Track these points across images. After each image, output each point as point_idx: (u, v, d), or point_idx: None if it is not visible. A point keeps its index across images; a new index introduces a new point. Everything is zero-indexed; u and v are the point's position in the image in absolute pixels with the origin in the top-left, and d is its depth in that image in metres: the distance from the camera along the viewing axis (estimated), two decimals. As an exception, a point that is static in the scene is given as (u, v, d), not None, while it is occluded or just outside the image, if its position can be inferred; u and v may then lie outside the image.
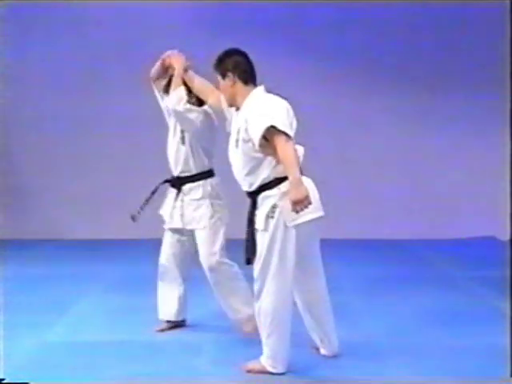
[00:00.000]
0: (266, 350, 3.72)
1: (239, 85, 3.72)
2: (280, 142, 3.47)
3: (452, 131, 8.32)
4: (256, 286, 3.69)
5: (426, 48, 8.27)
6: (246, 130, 3.60)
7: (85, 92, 8.30)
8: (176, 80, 4.21)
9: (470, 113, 8.28)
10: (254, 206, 3.68)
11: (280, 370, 3.70)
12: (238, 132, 3.68)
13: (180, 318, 4.53)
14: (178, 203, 4.36)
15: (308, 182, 3.64)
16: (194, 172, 4.30)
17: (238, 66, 3.73)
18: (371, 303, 5.27)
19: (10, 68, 8.02)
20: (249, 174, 3.65)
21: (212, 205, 4.25)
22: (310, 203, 3.41)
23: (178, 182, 4.37)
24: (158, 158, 7.80)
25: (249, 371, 3.75)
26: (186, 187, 4.32)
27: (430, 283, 6.00)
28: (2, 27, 7.70)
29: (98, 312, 5.07)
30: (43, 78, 8.26)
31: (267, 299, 3.64)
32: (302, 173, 3.63)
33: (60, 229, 8.28)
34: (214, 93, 4.07)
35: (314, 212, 3.62)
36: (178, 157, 4.34)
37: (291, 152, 3.45)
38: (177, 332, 4.51)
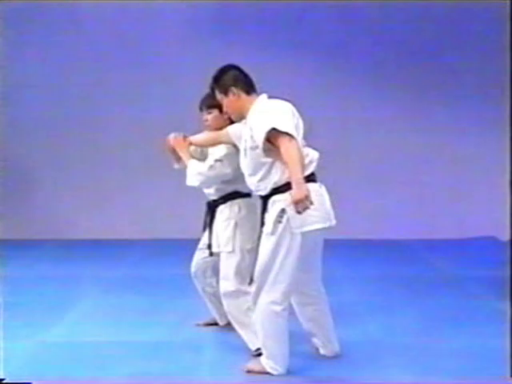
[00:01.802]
0: (265, 351, 3.72)
1: (243, 97, 3.74)
2: (283, 143, 3.46)
3: (452, 131, 8.33)
4: (254, 287, 3.70)
5: (428, 49, 8.26)
6: (252, 136, 3.62)
7: (89, 92, 8.29)
8: (184, 157, 4.21)
9: (470, 113, 8.28)
10: (264, 209, 3.69)
11: (280, 370, 3.70)
12: (246, 141, 3.71)
13: (225, 321, 4.50)
14: (214, 226, 4.26)
15: (321, 191, 3.68)
16: (223, 194, 4.20)
17: (237, 80, 3.74)
18: (371, 303, 5.27)
19: (11, 67, 8.03)
20: (261, 179, 3.66)
21: (236, 226, 4.11)
22: (311, 203, 3.39)
23: (212, 205, 4.30)
24: (159, 159, 7.91)
25: (249, 372, 3.75)
26: (218, 209, 4.24)
27: (430, 283, 6.01)
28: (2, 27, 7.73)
29: (99, 312, 5.07)
30: (44, 79, 8.26)
31: (265, 301, 3.64)
32: (315, 179, 3.66)
33: (61, 229, 8.28)
34: (222, 134, 4.09)
35: (322, 222, 3.62)
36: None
37: (294, 151, 3.44)
38: (177, 332, 4.52)
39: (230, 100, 3.76)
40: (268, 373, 3.69)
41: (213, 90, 3.84)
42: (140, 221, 8.24)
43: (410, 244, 7.86)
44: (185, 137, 4.24)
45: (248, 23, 8.19)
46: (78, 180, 8.35)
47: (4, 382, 3.51)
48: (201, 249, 4.43)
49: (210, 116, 4.22)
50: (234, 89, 3.73)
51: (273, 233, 3.58)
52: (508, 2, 6.42)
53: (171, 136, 4.27)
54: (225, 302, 4.12)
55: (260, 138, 3.53)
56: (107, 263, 6.88)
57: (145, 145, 8.16)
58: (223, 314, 4.41)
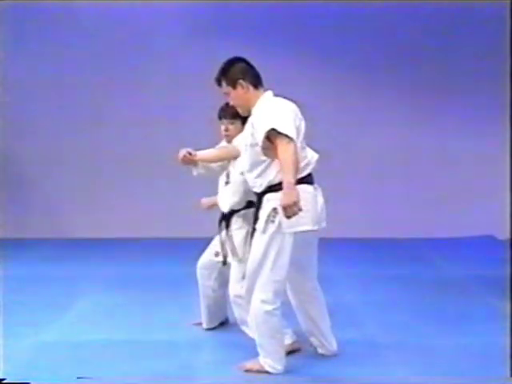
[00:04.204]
0: (261, 351, 3.73)
1: (251, 90, 3.73)
2: (280, 144, 3.46)
3: (451, 131, 8.33)
4: (246, 286, 3.72)
5: (427, 48, 8.26)
6: (253, 134, 3.63)
7: (88, 91, 8.27)
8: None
9: (469, 112, 8.29)
10: (259, 206, 3.70)
11: (279, 368, 3.71)
12: (246, 137, 3.73)
13: (211, 326, 4.56)
14: (229, 235, 4.27)
15: (316, 193, 3.68)
16: (241, 206, 4.21)
17: (246, 72, 3.73)
18: (369, 302, 5.28)
19: (10, 65, 8.02)
20: (258, 176, 3.68)
21: (248, 233, 4.09)
22: (300, 209, 3.40)
23: (227, 216, 4.29)
24: (159, 159, 7.93)
25: (247, 371, 3.75)
26: (233, 220, 4.26)
27: (429, 282, 6.01)
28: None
29: (98, 311, 5.07)
30: (43, 79, 8.26)
31: (257, 301, 3.64)
32: (310, 181, 3.67)
33: (60, 228, 8.29)
34: (230, 149, 4.12)
35: (311, 224, 3.62)
36: (223, 194, 4.31)
37: (289, 155, 3.44)
38: (176, 332, 4.52)
39: (238, 93, 3.74)
40: (266, 372, 3.70)
41: (219, 81, 3.81)
42: (138, 220, 8.24)
43: (408, 243, 7.86)
44: (190, 153, 4.16)
45: (248, 23, 8.19)
46: (77, 179, 8.34)
47: (4, 382, 3.52)
48: (212, 250, 4.44)
49: (232, 126, 4.20)
50: (242, 82, 3.71)
51: (264, 231, 3.60)
52: (508, 2, 6.42)
53: (181, 153, 4.18)
54: (233, 307, 4.17)
55: (260, 137, 3.54)
56: (106, 262, 6.88)
57: (143, 144, 8.19)
58: (213, 319, 4.53)
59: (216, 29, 8.15)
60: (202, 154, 4.22)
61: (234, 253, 4.18)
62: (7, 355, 3.91)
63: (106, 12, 8.25)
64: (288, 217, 3.40)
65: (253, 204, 4.01)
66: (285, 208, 3.38)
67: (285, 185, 3.40)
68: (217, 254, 4.34)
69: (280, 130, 3.46)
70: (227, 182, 4.24)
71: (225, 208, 4.24)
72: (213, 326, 4.56)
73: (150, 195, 8.24)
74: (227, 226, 4.25)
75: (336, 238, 7.15)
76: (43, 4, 7.98)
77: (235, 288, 4.09)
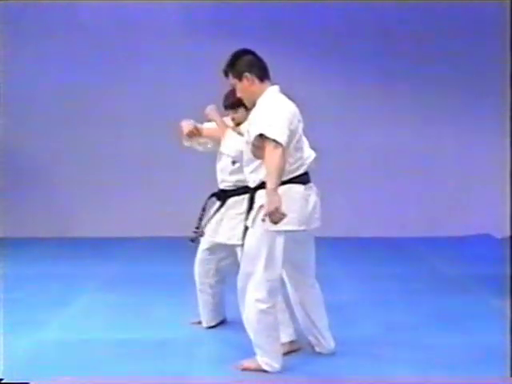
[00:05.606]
0: (258, 350, 3.73)
1: (256, 83, 3.73)
2: (268, 148, 3.48)
3: (449, 130, 8.34)
4: (239, 285, 3.73)
5: (431, 48, 8.27)
6: (248, 131, 3.66)
7: (89, 91, 8.27)
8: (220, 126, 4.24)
9: (468, 112, 8.30)
10: (251, 201, 3.72)
11: (276, 367, 3.71)
12: (244, 132, 3.78)
13: (211, 324, 4.58)
14: (219, 216, 4.32)
15: (306, 193, 3.68)
16: (239, 185, 4.23)
17: (252, 65, 3.74)
18: (368, 301, 5.29)
19: (12, 64, 8.02)
20: (252, 172, 3.71)
21: (240, 220, 4.09)
22: (283, 215, 3.41)
23: (222, 195, 4.33)
24: (158, 159, 7.94)
25: (244, 369, 3.75)
26: (231, 201, 4.29)
27: (426, 281, 6.02)
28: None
29: (96, 310, 5.08)
30: (45, 77, 8.26)
31: (252, 300, 3.65)
32: (304, 180, 3.68)
33: (60, 227, 8.29)
34: (237, 131, 4.14)
35: (296, 224, 3.62)
36: (225, 172, 4.33)
37: (274, 160, 3.45)
38: (174, 331, 4.53)
39: (244, 85, 3.75)
40: (264, 370, 3.70)
41: (226, 73, 3.82)
42: (137, 219, 8.25)
43: (405, 242, 7.87)
44: (196, 128, 4.22)
45: (247, 22, 8.19)
46: (76, 179, 8.35)
47: (3, 382, 3.51)
48: (207, 249, 4.44)
49: (237, 115, 4.24)
50: (248, 74, 3.72)
51: (253, 226, 3.62)
52: (508, 2, 6.44)
53: (186, 128, 4.25)
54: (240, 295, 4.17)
55: (251, 138, 3.58)
56: (105, 261, 6.89)
57: (143, 143, 8.18)
58: (213, 317, 4.54)
59: (216, 28, 8.16)
60: (209, 131, 4.26)
61: (221, 234, 4.24)
62: (6, 354, 3.91)
63: (104, 12, 8.25)
64: (275, 222, 3.42)
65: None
66: (269, 215, 3.41)
67: (267, 191, 3.43)
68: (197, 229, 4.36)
69: (268, 134, 3.48)
70: (234, 162, 4.23)
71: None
72: (213, 324, 4.57)
73: (149, 195, 8.25)
74: (220, 206, 4.30)
75: (335, 237, 7.19)
76: (43, 4, 7.98)
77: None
